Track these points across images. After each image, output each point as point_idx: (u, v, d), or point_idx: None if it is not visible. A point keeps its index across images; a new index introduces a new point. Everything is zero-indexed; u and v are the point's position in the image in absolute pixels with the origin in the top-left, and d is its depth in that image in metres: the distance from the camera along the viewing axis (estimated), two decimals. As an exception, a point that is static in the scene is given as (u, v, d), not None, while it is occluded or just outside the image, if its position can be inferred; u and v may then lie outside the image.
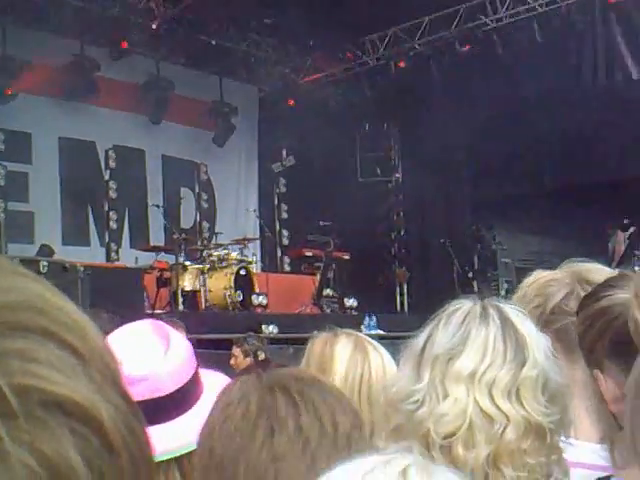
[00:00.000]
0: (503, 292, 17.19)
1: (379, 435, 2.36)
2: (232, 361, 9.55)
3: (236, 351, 9.69)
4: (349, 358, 2.75)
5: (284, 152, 20.13)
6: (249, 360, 9.44)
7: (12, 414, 0.57)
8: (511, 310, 1.97)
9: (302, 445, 1.65)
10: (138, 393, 2.16)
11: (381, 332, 14.79)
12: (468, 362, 1.87)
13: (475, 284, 18.63)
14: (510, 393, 1.85)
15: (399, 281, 20.77)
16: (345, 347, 2.78)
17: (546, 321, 2.39)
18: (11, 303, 0.62)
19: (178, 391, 2.27)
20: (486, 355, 1.88)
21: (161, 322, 2.45)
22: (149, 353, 2.27)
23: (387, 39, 19.04)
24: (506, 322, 1.92)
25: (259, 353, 9.68)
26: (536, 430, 1.85)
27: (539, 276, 2.57)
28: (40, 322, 0.62)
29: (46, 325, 0.62)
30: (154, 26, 17.00)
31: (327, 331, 2.91)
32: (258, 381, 1.76)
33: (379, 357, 2.77)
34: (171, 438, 2.16)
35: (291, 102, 20.19)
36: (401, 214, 20.94)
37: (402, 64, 18.94)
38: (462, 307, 1.97)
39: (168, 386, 2.25)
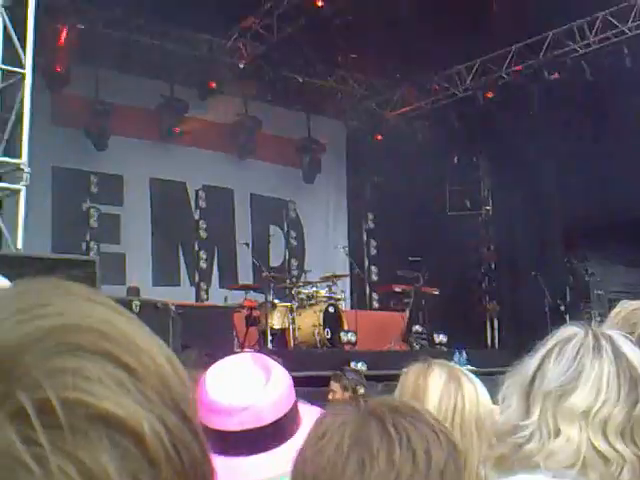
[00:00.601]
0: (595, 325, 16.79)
1: (480, 464, 2.32)
2: (330, 396, 9.34)
3: (334, 386, 9.45)
4: (442, 388, 2.75)
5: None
6: (348, 395, 9.23)
7: (57, 425, 0.62)
8: (624, 341, 1.94)
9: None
10: (239, 422, 2.18)
11: (471, 367, 14.62)
12: (582, 399, 1.84)
13: (567, 318, 18.31)
14: (624, 432, 1.81)
15: (489, 316, 20.55)
16: (439, 377, 2.79)
17: None
18: (71, 325, 0.67)
19: (278, 421, 2.29)
20: (600, 392, 1.84)
21: (262, 354, 2.48)
22: (250, 384, 2.32)
23: (474, 69, 18.88)
24: (619, 355, 1.89)
25: (358, 388, 9.45)
26: None
27: (625, 305, 2.57)
28: (97, 343, 0.66)
29: (103, 346, 0.66)
30: (241, 65, 17.23)
31: (421, 362, 2.91)
32: (353, 412, 1.73)
33: (473, 388, 2.76)
34: (270, 467, 2.17)
35: (379, 137, 20.24)
36: (491, 248, 20.74)
37: (490, 94, 18.73)
38: (574, 339, 1.93)
39: (268, 416, 2.29)
